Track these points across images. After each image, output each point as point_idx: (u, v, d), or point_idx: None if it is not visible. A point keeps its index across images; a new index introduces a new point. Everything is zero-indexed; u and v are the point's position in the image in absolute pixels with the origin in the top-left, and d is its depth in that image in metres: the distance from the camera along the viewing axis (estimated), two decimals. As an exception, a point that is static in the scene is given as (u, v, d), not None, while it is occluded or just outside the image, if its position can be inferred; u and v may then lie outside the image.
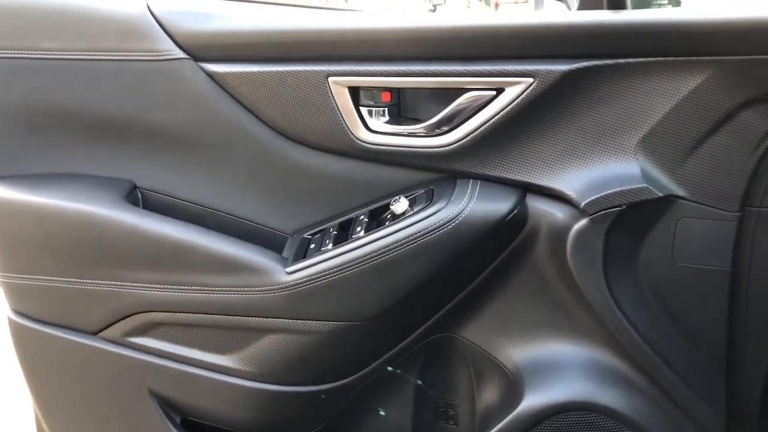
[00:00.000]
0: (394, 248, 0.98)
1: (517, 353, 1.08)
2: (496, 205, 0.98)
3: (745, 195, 0.92)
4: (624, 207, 0.92)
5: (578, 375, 1.04)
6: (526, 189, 1.00)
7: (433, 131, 0.99)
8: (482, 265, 1.04)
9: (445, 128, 0.98)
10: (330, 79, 0.98)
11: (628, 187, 0.91)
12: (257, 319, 1.04)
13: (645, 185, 0.91)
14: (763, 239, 0.94)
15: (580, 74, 0.91)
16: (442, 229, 0.96)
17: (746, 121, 0.89)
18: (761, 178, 0.92)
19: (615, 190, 0.92)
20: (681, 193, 0.93)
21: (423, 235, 0.97)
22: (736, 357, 1.01)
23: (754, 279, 0.96)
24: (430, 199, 1.00)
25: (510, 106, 0.93)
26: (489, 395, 1.13)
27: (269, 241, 1.09)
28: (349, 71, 0.98)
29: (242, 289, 1.02)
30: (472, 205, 0.97)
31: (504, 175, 0.99)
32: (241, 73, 1.00)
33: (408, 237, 0.97)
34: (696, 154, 0.92)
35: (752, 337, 0.99)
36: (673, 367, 1.01)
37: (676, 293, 0.98)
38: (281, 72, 0.99)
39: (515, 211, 0.98)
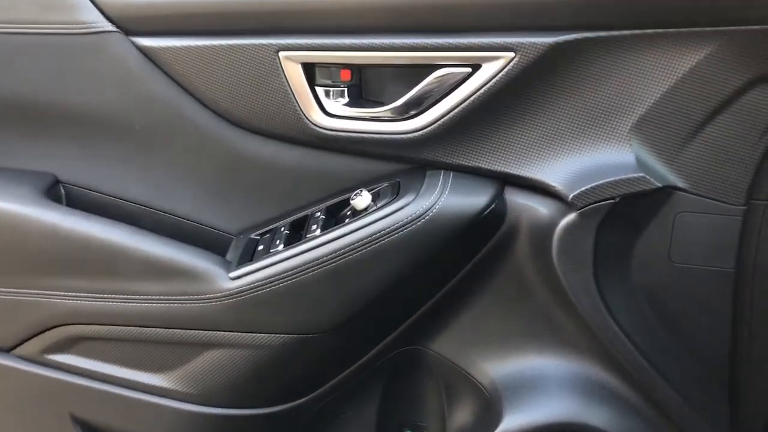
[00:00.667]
0: (355, 249, 0.90)
1: (494, 368, 1.00)
2: (471, 199, 0.90)
3: (751, 186, 0.85)
4: (617, 199, 0.84)
5: (564, 392, 0.97)
6: (505, 181, 0.92)
7: (400, 115, 0.90)
8: (455, 268, 0.96)
9: (414, 111, 0.89)
10: (281, 54, 0.90)
11: (622, 177, 0.83)
12: (197, 332, 0.96)
13: (641, 174, 0.83)
14: None
15: (566, 48, 0.82)
16: (410, 226, 0.88)
17: (754, 102, 0.81)
18: None
19: (607, 180, 0.84)
20: (680, 184, 0.86)
21: (388, 233, 0.89)
22: (740, 370, 0.94)
23: (760, 281, 0.89)
24: (396, 193, 0.92)
25: (487, 85, 0.85)
26: (462, 416, 1.06)
27: (211, 243, 1.01)
28: (302, 45, 0.89)
29: (179, 297, 0.95)
30: (444, 199, 0.89)
31: (480, 164, 0.91)
32: (178, 48, 0.92)
33: (370, 236, 0.89)
34: (697, 139, 0.84)
35: (758, 348, 0.92)
36: (671, 382, 0.94)
37: (675, 298, 0.91)
38: (224, 46, 0.91)
39: (493, 206, 0.90)
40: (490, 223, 0.92)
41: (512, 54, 0.83)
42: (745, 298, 0.89)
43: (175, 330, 0.96)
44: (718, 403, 0.95)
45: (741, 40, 0.78)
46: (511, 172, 0.90)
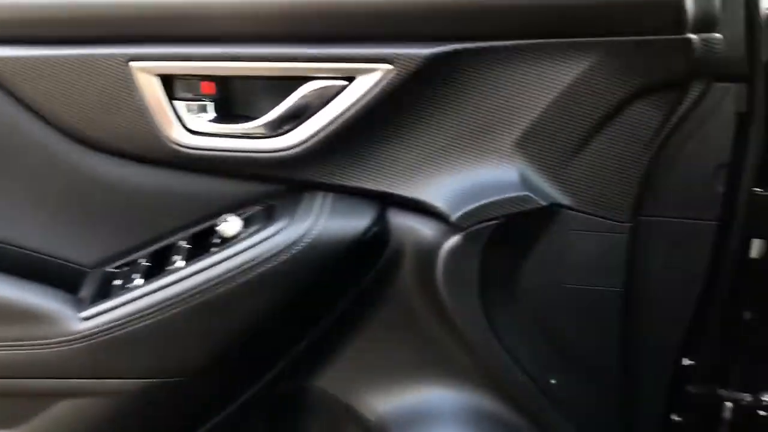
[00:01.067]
0: (223, 281, 0.82)
1: (382, 403, 0.96)
2: (351, 223, 0.84)
3: (636, 202, 0.83)
4: (502, 220, 0.80)
5: (456, 425, 0.93)
6: (388, 201, 0.87)
7: (272, 131, 0.83)
8: (336, 297, 0.91)
9: (286, 127, 0.83)
10: (133, 64, 0.82)
11: (506, 196, 0.80)
12: (44, 381, 0.87)
13: (525, 193, 0.80)
14: (658, 254, 0.85)
15: (445, 60, 0.78)
16: (285, 254, 0.82)
17: (636, 115, 0.79)
18: (653, 182, 0.83)
19: (491, 199, 0.80)
20: (566, 201, 0.83)
21: (260, 262, 0.82)
22: (632, 395, 0.92)
23: (649, 301, 0.87)
24: (269, 218, 0.86)
25: (364, 99, 0.80)
26: None
27: (60, 278, 0.92)
28: (157, 54, 0.82)
29: (23, 342, 0.85)
30: (322, 223, 0.83)
31: (360, 184, 0.86)
32: (15, 58, 0.84)
33: (241, 266, 0.82)
34: (582, 155, 0.82)
35: (648, 371, 0.91)
36: (563, 409, 0.91)
37: (565, 321, 0.88)
38: (68, 57, 0.83)
39: (374, 229, 0.85)
40: (372, 248, 0.86)
41: (389, 66, 0.78)
42: (634, 319, 0.87)
43: (19, 380, 0.87)
44: (611, 428, 0.93)
45: (622, 50, 0.76)
46: (393, 192, 0.85)
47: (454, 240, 0.82)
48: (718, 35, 0.76)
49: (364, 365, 0.95)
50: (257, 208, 0.88)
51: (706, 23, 0.75)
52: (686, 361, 0.90)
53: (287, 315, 0.87)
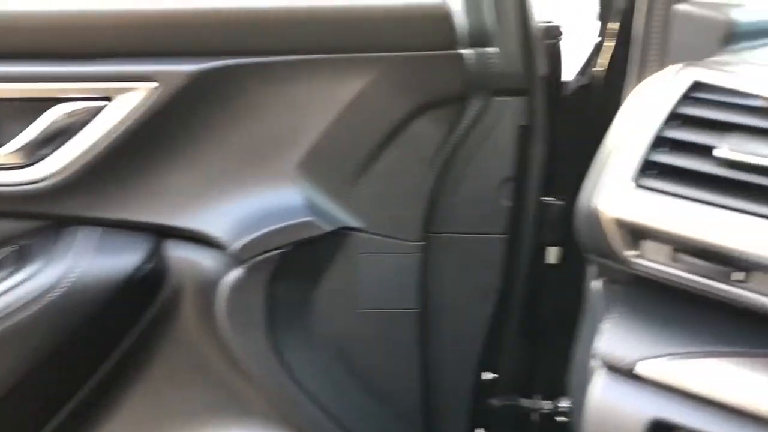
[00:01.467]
0: None
1: None
2: (120, 260, 0.76)
3: (425, 220, 0.81)
4: (287, 248, 0.76)
5: None
6: (162, 233, 0.79)
7: (21, 161, 0.73)
8: (111, 342, 0.82)
9: (37, 156, 0.73)
10: None
11: (290, 223, 0.76)
12: None
13: (309, 218, 0.76)
14: (451, 270, 0.84)
15: (215, 76, 0.73)
16: (40, 301, 0.72)
17: (418, 132, 0.78)
18: (441, 199, 0.81)
19: (273, 227, 0.75)
20: (355, 224, 0.80)
21: (11, 313, 0.73)
22: (435, 415, 0.89)
23: (445, 319, 0.86)
24: (21, 261, 0.76)
25: (127, 121, 0.72)
26: None
27: None
28: None
29: None
30: (85, 262, 0.75)
31: (129, 217, 0.78)
32: None
33: None
34: (368, 175, 0.79)
35: (449, 389, 0.89)
36: None
37: (363, 348, 0.85)
38: None
39: (147, 266, 0.77)
40: (146, 286, 0.78)
41: (154, 84, 0.71)
42: (431, 338, 0.85)
43: None
44: None
45: (398, 67, 0.74)
46: (166, 222, 0.78)
47: (235, 273, 0.76)
48: (493, 49, 0.75)
49: (150, 413, 0.86)
50: (6, 250, 0.77)
51: (479, 38, 0.74)
52: (487, 375, 0.90)
53: (53, 368, 0.77)
